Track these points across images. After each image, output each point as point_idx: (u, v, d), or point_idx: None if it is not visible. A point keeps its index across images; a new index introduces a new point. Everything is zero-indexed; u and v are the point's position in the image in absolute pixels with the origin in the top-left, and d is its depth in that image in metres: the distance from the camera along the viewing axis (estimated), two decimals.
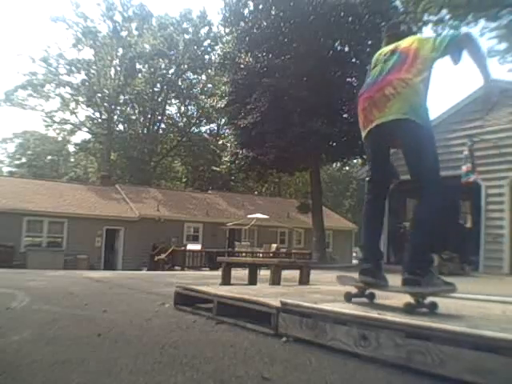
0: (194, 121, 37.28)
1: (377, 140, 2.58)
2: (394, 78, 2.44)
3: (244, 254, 16.44)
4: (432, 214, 2.41)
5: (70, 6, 46.91)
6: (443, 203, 2.41)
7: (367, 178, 2.77)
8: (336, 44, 16.88)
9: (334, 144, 17.00)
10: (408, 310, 2.21)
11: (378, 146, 2.63)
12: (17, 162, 43.89)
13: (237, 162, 17.89)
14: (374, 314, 2.07)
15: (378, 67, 2.60)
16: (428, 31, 13.39)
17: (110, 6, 34.32)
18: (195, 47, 34.38)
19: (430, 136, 2.46)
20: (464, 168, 11.31)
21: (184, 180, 38.80)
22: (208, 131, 39.04)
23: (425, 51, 2.47)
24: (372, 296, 2.61)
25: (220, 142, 33.29)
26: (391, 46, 2.65)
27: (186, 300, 3.39)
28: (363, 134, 2.62)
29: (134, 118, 36.17)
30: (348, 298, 2.57)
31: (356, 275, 2.61)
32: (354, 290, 2.60)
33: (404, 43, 2.60)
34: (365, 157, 17.84)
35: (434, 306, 2.29)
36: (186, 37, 34.39)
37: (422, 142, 2.42)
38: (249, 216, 20.16)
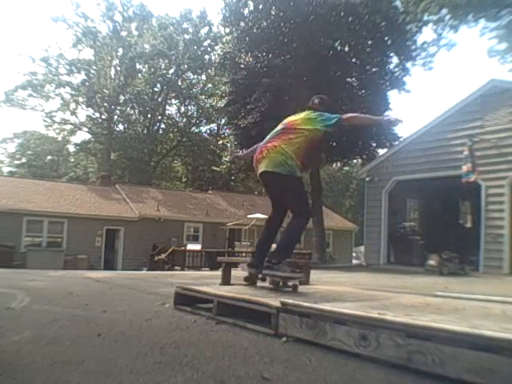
0: (194, 121, 37.24)
1: (263, 183, 3.76)
2: (270, 144, 3.53)
3: (244, 254, 16.42)
4: (297, 233, 3.63)
5: (70, 6, 46.87)
6: (305, 226, 3.60)
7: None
8: (336, 44, 16.87)
9: (334, 144, 17.00)
10: (274, 287, 3.52)
11: (266, 186, 3.80)
12: (17, 162, 43.88)
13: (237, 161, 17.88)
14: (374, 314, 2.07)
15: (268, 136, 3.67)
16: (428, 31, 13.40)
17: (110, 6, 34.24)
18: (195, 47, 34.32)
19: (294, 181, 3.47)
20: (464, 168, 11.31)
21: (184, 180, 38.78)
22: (208, 131, 39.05)
23: (305, 125, 3.50)
24: (264, 278, 3.71)
25: (220, 142, 33.28)
26: (289, 118, 3.69)
27: (186, 300, 3.39)
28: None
29: (134, 118, 36.12)
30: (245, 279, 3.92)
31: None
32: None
33: (293, 118, 3.66)
34: (365, 157, 17.92)
35: (295, 287, 3.47)
36: (186, 37, 34.32)
37: (286, 186, 3.48)
38: (249, 216, 20.15)
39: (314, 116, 3.55)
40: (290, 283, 3.50)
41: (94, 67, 33.94)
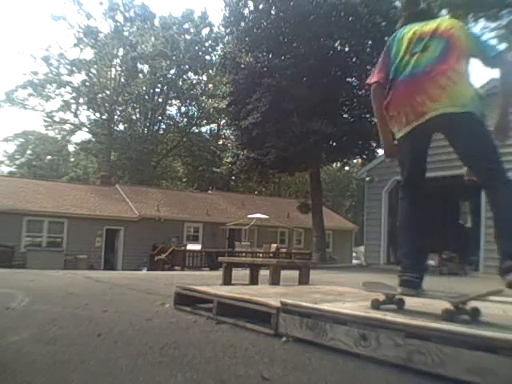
0: (194, 121, 37.27)
1: (426, 135, 2.39)
2: (447, 67, 2.25)
3: (244, 254, 16.43)
4: None
5: (71, 5, 46.82)
6: None
7: (402, 183, 2.53)
8: (336, 44, 16.87)
9: (334, 144, 17.01)
10: (446, 317, 1.96)
11: (422, 143, 2.42)
12: (17, 162, 43.88)
13: (238, 163, 17.89)
14: (373, 313, 2.07)
15: (418, 54, 2.33)
16: None
17: (112, 6, 34.31)
18: (196, 48, 34.35)
19: (487, 128, 2.33)
20: (465, 167, 11.29)
21: (184, 180, 38.80)
22: (208, 131, 39.10)
23: (463, 42, 2.31)
24: (401, 302, 2.34)
25: (220, 143, 33.32)
26: (425, 28, 2.40)
27: (186, 300, 3.39)
28: (404, 131, 2.36)
29: (134, 118, 36.14)
30: (376, 305, 2.28)
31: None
32: (381, 297, 2.35)
33: (442, 26, 2.37)
34: (365, 157, 17.90)
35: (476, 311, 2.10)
36: (188, 37, 34.37)
37: (482, 134, 2.28)
38: (249, 216, 20.16)
39: (464, 29, 2.42)
40: (468, 307, 2.10)
41: (94, 67, 33.96)
